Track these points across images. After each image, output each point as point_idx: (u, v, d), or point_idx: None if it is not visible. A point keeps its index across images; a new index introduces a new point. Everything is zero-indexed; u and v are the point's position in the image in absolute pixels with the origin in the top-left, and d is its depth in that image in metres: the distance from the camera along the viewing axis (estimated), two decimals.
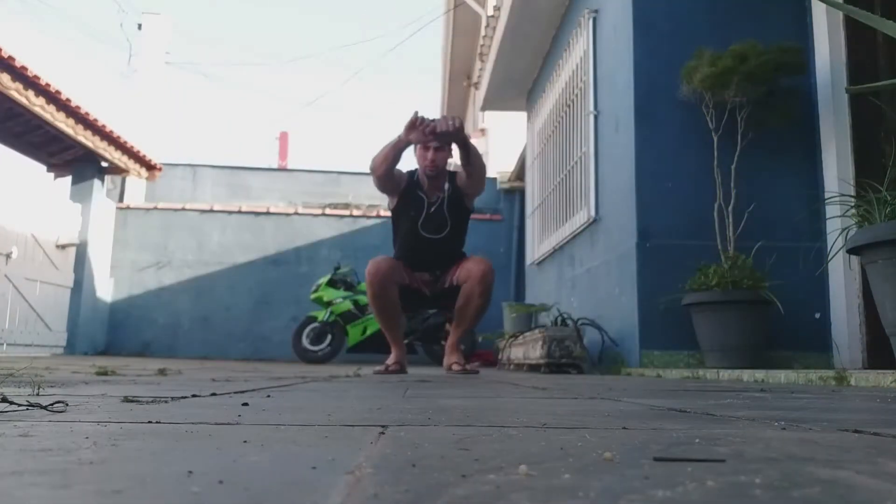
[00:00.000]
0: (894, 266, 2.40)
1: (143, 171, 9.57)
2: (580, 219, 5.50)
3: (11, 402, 1.15)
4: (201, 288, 9.80)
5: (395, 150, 3.91)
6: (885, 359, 3.20)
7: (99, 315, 9.28)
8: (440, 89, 14.96)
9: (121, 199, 10.07)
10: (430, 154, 4.01)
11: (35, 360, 4.66)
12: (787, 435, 0.89)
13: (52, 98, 7.18)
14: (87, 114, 7.73)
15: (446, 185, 4.13)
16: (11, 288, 7.24)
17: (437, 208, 4.11)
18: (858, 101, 3.95)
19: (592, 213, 5.15)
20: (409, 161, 4.61)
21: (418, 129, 3.81)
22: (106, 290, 9.48)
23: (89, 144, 8.18)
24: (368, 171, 4.15)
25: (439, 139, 3.89)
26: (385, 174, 3.99)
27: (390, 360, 4.13)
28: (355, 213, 10.21)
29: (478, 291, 4.00)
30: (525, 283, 8.31)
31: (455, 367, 4.05)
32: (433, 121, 3.80)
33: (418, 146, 4.04)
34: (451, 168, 4.27)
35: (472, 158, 3.96)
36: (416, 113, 3.81)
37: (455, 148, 3.98)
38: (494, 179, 10.55)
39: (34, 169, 8.83)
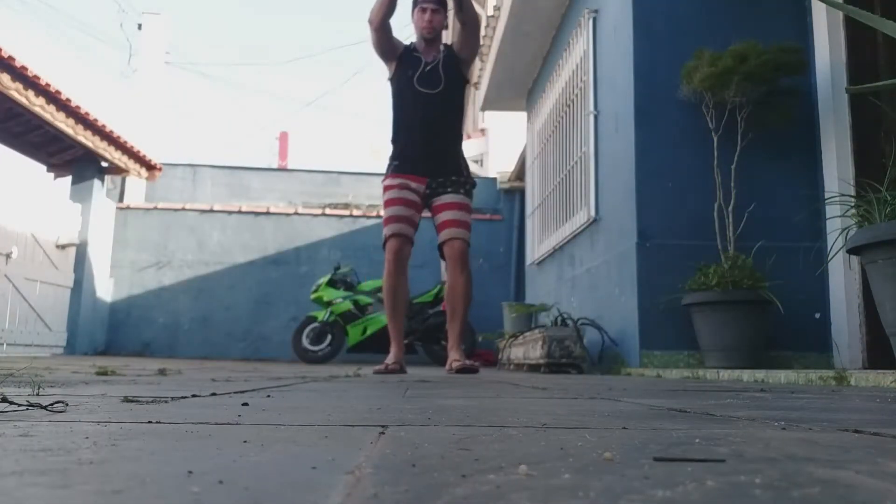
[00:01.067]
0: (894, 266, 2.40)
1: (143, 171, 9.57)
2: (580, 219, 5.50)
3: (11, 402, 1.15)
4: (201, 288, 9.80)
5: None
6: (885, 359, 3.21)
7: (99, 315, 9.28)
8: None
9: (121, 199, 10.07)
10: (426, 15, 4.18)
11: (35, 360, 4.66)
12: (787, 435, 0.89)
13: (52, 98, 7.18)
14: (87, 114, 7.72)
15: (442, 48, 4.28)
16: (11, 288, 7.24)
17: (433, 67, 4.22)
18: (858, 101, 3.95)
19: (592, 213, 5.15)
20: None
21: None
22: (106, 290, 9.48)
23: (89, 144, 8.18)
24: (367, 23, 4.23)
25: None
26: (382, 23, 4.12)
27: (390, 358, 4.15)
28: (355, 213, 10.21)
29: (457, 273, 4.10)
30: (525, 283, 8.31)
31: (455, 363, 4.02)
32: None
33: (416, 8, 4.21)
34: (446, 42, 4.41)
35: (464, 5, 4.10)
36: None
37: (449, 3, 4.13)
38: (494, 179, 10.55)
39: (34, 169, 8.84)
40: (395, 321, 4.25)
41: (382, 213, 4.34)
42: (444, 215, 4.21)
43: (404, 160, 4.25)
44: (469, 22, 4.17)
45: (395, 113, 4.34)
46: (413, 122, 4.21)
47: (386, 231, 4.27)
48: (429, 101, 4.17)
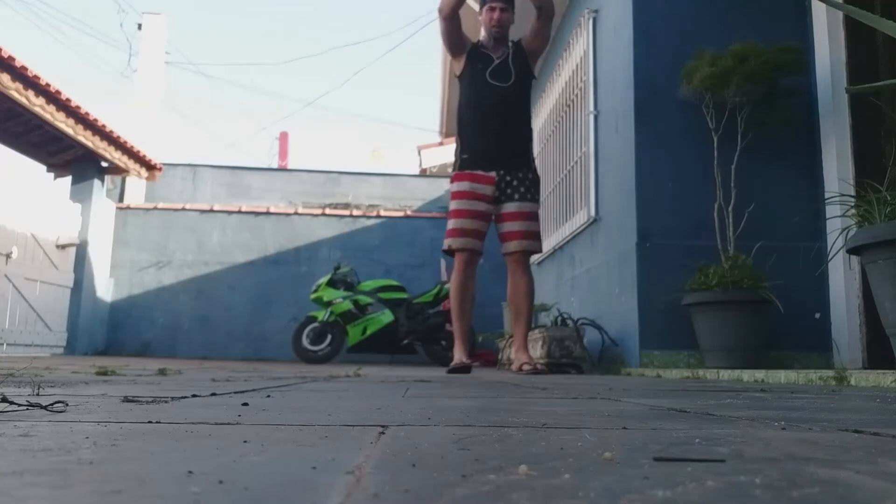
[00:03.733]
0: (894, 266, 2.40)
1: (143, 171, 9.57)
2: (580, 219, 5.51)
3: (11, 402, 1.15)
4: (201, 288, 9.80)
5: None
6: (885, 359, 3.21)
7: (99, 315, 9.28)
8: (440, 89, 14.94)
9: (121, 199, 10.07)
10: (495, 14, 4.26)
11: (35, 360, 4.66)
12: (787, 435, 0.89)
13: (52, 98, 7.17)
14: (87, 114, 7.72)
15: (510, 44, 4.34)
16: (11, 288, 7.24)
17: (502, 61, 4.28)
18: (858, 101, 3.95)
19: (592, 213, 5.15)
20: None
21: None
22: (106, 289, 9.48)
23: (89, 144, 8.18)
24: (437, 12, 4.30)
25: None
26: (453, 10, 4.19)
27: (461, 356, 4.22)
28: (355, 213, 10.21)
29: (518, 274, 4.16)
30: None
31: (525, 367, 4.03)
32: None
33: (484, 8, 4.29)
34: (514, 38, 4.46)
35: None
36: None
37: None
38: None
39: (34, 169, 8.84)
40: (460, 321, 4.30)
41: (451, 208, 4.30)
42: (514, 226, 4.22)
43: (474, 153, 4.26)
44: (545, 8, 4.22)
45: (464, 107, 4.37)
46: (486, 115, 4.24)
47: (454, 243, 4.21)
48: (501, 94, 4.23)
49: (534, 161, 4.42)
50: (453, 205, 4.26)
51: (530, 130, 4.48)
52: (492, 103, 4.22)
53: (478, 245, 4.23)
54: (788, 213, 4.09)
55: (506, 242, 4.22)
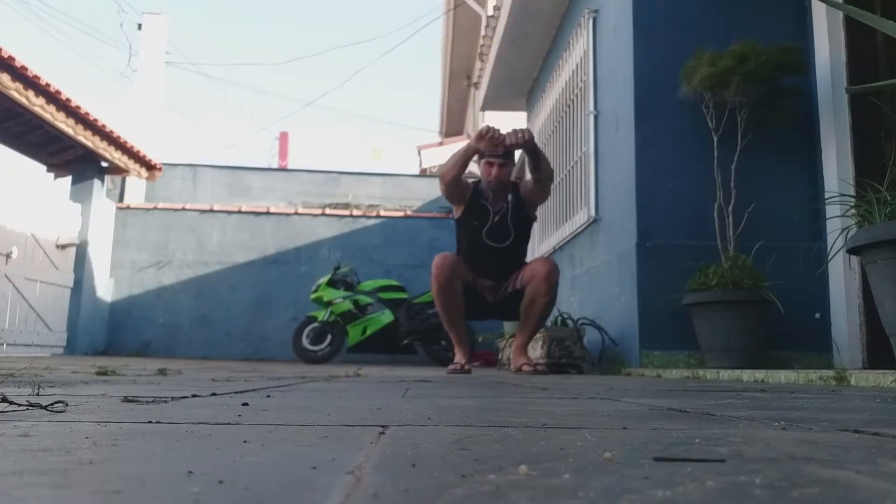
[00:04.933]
0: (894, 266, 2.40)
1: (143, 171, 9.57)
2: (580, 219, 5.50)
3: (11, 402, 1.15)
4: (201, 288, 9.80)
5: (465, 158, 4.08)
6: (885, 359, 3.20)
7: (99, 315, 9.28)
8: (440, 89, 14.96)
9: (121, 199, 10.07)
10: (494, 170, 4.16)
11: (35, 360, 4.66)
12: (787, 435, 0.89)
13: (52, 98, 7.17)
14: (87, 114, 7.72)
15: (510, 197, 4.25)
16: (11, 288, 7.24)
17: (500, 217, 4.23)
18: (858, 101, 3.95)
19: (592, 213, 5.15)
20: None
21: (487, 140, 3.96)
22: (106, 289, 9.48)
23: (89, 144, 8.18)
24: (438, 178, 4.35)
25: (508, 150, 4.06)
26: (453, 181, 4.16)
27: (460, 359, 4.20)
28: (355, 213, 10.21)
29: (543, 290, 4.10)
30: None
31: (525, 367, 4.09)
32: (503, 134, 3.94)
33: (483, 161, 4.19)
34: (514, 179, 4.42)
35: (541, 165, 4.12)
36: (487, 126, 3.99)
37: (526, 157, 4.13)
38: None
39: (34, 169, 8.84)
40: (453, 325, 4.29)
41: None
42: (531, 265, 4.25)
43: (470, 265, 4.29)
44: (544, 179, 4.20)
45: (461, 247, 4.37)
46: (480, 264, 4.25)
47: (441, 255, 4.25)
48: (496, 252, 4.23)
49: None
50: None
51: (525, 252, 4.48)
52: (488, 257, 4.23)
53: (455, 259, 4.19)
54: (788, 213, 4.09)
55: (527, 274, 4.19)
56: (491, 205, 4.24)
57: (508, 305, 4.29)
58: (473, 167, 4.60)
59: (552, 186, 6.64)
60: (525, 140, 3.90)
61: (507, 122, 11.06)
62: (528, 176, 4.30)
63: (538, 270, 4.12)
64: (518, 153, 4.92)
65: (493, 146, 3.98)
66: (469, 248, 4.28)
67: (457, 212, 4.36)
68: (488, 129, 3.95)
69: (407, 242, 9.93)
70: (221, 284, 9.81)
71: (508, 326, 6.75)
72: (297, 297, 9.51)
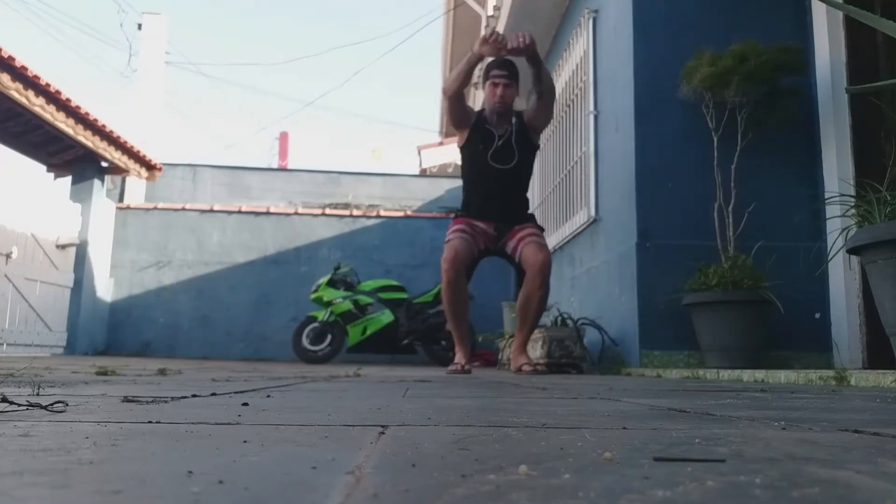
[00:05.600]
0: (894, 266, 2.40)
1: (143, 171, 9.57)
2: (580, 219, 5.51)
3: (11, 402, 1.15)
4: (201, 288, 9.80)
5: (468, 65, 4.09)
6: (885, 359, 3.20)
7: (99, 315, 9.27)
8: (440, 89, 14.93)
9: (121, 199, 10.07)
10: (499, 90, 4.20)
11: (35, 360, 4.66)
12: (787, 435, 0.89)
13: (52, 98, 7.17)
14: (87, 114, 7.72)
15: (513, 120, 4.29)
16: (11, 288, 7.24)
17: (505, 140, 4.25)
18: (858, 101, 3.95)
19: (592, 213, 5.15)
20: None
21: (490, 44, 3.97)
22: (106, 289, 9.48)
23: (89, 144, 8.17)
24: (441, 94, 4.36)
25: (511, 54, 4.05)
26: (457, 92, 4.17)
27: (460, 359, 4.20)
28: (355, 213, 10.21)
29: (537, 284, 4.11)
30: None
31: (525, 367, 4.09)
32: (506, 37, 3.97)
33: (488, 83, 4.24)
34: (517, 108, 4.44)
35: (542, 76, 4.14)
36: (491, 28, 3.95)
37: (528, 66, 4.12)
38: None
39: (34, 169, 8.84)
40: (457, 322, 4.32)
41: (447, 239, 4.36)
42: (522, 235, 4.24)
43: (474, 209, 4.32)
44: (546, 93, 4.22)
45: (466, 176, 4.41)
46: (487, 192, 4.27)
47: (444, 258, 4.23)
48: (502, 175, 4.24)
49: (532, 216, 4.46)
50: (448, 236, 4.30)
51: (527, 197, 4.48)
52: (493, 183, 4.25)
53: (464, 247, 4.18)
54: (788, 213, 4.09)
55: (521, 248, 4.19)
56: (495, 128, 4.27)
57: (504, 255, 4.35)
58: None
59: (551, 188, 6.65)
60: (527, 44, 3.93)
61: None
62: (532, 98, 4.30)
63: (531, 261, 4.09)
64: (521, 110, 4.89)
65: (497, 50, 3.99)
66: (474, 174, 4.30)
67: (461, 138, 4.37)
68: (492, 31, 3.97)
69: (407, 242, 9.93)
70: (221, 284, 9.81)
71: (508, 326, 6.75)
72: (297, 297, 9.51)
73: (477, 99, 10.19)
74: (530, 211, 4.55)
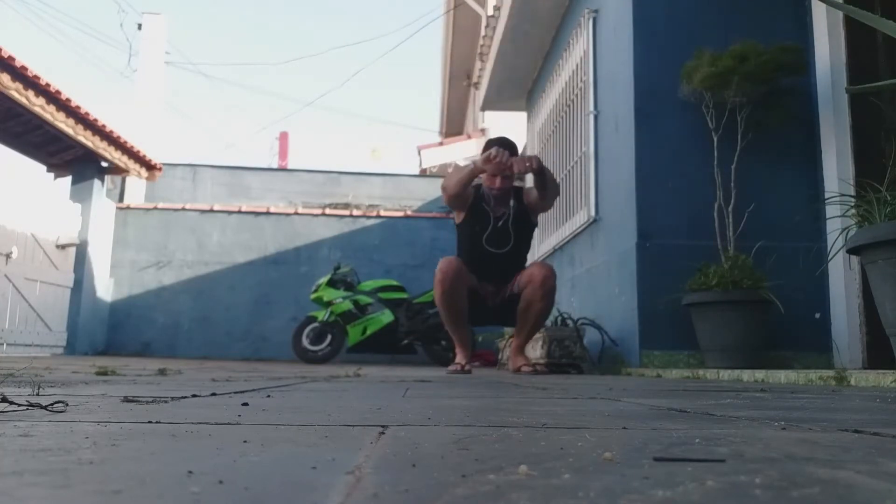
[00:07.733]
0: (894, 266, 2.40)
1: (143, 171, 9.57)
2: (580, 219, 5.51)
3: (11, 402, 1.15)
4: (201, 288, 9.80)
5: (470, 177, 4.09)
6: (885, 359, 3.21)
7: (99, 315, 9.27)
8: (440, 89, 14.96)
9: (121, 199, 10.07)
10: (497, 181, 4.15)
11: (35, 360, 4.66)
12: (787, 435, 0.89)
13: (52, 98, 7.17)
14: (87, 114, 7.72)
15: (512, 202, 4.24)
16: (11, 288, 7.24)
17: (502, 223, 4.22)
18: (858, 101, 3.95)
19: (592, 213, 5.15)
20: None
21: (494, 164, 3.98)
22: (106, 289, 9.48)
23: (89, 144, 8.17)
24: (440, 189, 4.31)
25: (513, 173, 4.06)
26: (456, 195, 4.15)
27: (461, 360, 4.20)
28: (355, 213, 10.21)
29: (539, 295, 4.08)
30: None
31: (524, 368, 4.11)
32: (511, 159, 3.97)
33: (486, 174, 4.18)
34: (517, 184, 4.42)
35: (547, 184, 4.12)
36: (496, 148, 4.00)
37: (532, 176, 4.14)
38: None
39: (34, 169, 8.84)
40: (456, 328, 4.30)
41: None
42: (528, 269, 4.22)
43: (469, 269, 4.28)
44: (549, 195, 4.21)
45: (461, 252, 4.34)
46: (479, 270, 4.24)
47: (446, 259, 4.22)
48: (496, 258, 4.22)
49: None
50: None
51: (525, 258, 4.46)
52: (489, 261, 4.22)
53: (460, 265, 4.14)
54: (788, 213, 4.08)
55: (525, 277, 4.16)
56: (493, 210, 4.22)
57: (507, 310, 4.28)
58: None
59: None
60: (533, 168, 3.93)
61: (507, 121, 11.08)
62: (532, 183, 4.29)
63: (535, 276, 4.11)
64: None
65: (500, 171, 4.01)
66: (469, 253, 4.26)
67: (458, 217, 4.34)
68: (497, 153, 3.95)
69: (407, 242, 9.93)
70: (221, 284, 9.81)
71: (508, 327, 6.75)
72: (297, 297, 9.51)
73: (477, 99, 10.20)
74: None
